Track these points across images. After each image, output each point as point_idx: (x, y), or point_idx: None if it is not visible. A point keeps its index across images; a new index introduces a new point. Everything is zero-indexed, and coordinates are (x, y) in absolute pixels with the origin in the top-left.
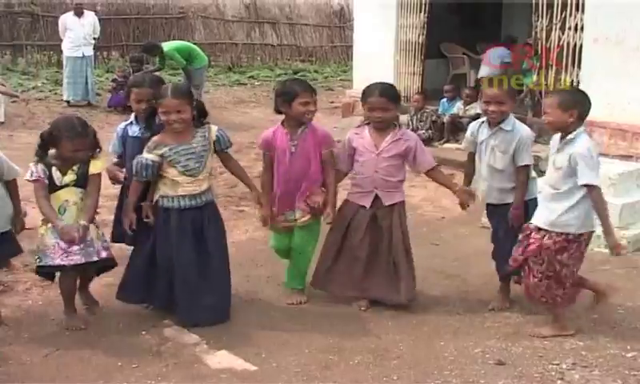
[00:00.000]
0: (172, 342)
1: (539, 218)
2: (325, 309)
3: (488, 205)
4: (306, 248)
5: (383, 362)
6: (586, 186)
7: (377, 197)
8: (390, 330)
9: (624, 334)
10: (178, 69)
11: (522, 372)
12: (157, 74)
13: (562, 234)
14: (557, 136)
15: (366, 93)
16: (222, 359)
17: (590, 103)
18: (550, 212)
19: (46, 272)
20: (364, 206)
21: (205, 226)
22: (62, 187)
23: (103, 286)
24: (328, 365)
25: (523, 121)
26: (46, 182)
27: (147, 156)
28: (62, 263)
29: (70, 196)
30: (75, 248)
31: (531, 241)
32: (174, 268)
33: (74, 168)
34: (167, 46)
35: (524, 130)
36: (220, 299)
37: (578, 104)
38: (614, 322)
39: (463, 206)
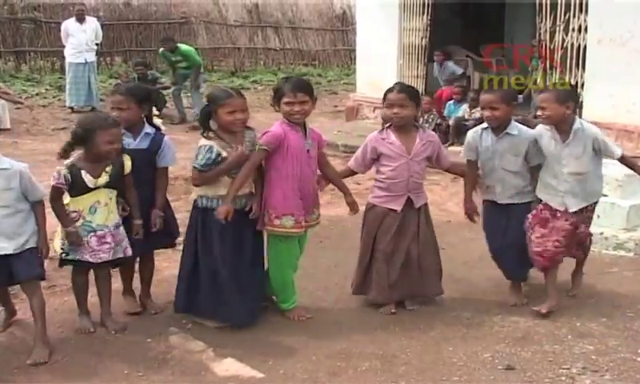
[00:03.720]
0: (178, 350)
1: (582, 203)
2: (331, 315)
3: (496, 206)
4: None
5: (391, 368)
6: (620, 158)
7: (408, 199)
8: (397, 336)
9: (635, 338)
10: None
11: (531, 377)
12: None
13: (595, 202)
14: (549, 134)
15: (387, 91)
16: (228, 366)
17: (579, 98)
18: (586, 193)
19: (67, 264)
20: (394, 210)
21: (243, 228)
22: (90, 191)
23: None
24: (336, 371)
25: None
26: (65, 190)
27: (221, 151)
28: (90, 260)
29: (101, 197)
30: (106, 247)
31: (581, 225)
32: (218, 268)
33: (107, 170)
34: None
35: (530, 132)
36: (255, 301)
37: (572, 97)
38: (624, 326)
39: (471, 217)
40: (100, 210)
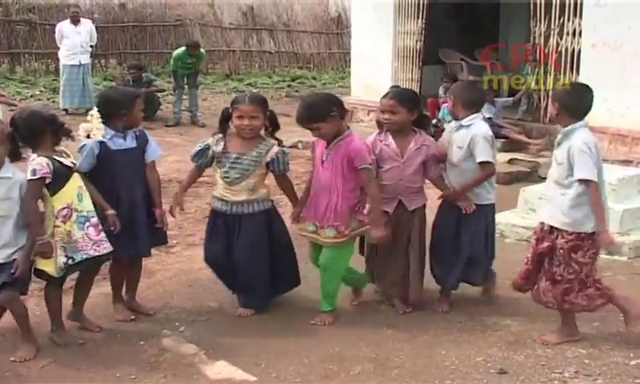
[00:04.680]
0: (170, 353)
1: (550, 217)
2: None
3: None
4: (332, 267)
5: (384, 371)
6: (580, 181)
7: (399, 202)
8: (390, 339)
9: (627, 342)
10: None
11: (524, 381)
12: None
13: (573, 232)
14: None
15: (382, 96)
16: (221, 369)
17: (577, 100)
18: (558, 208)
19: (73, 270)
20: (386, 212)
21: (234, 233)
22: (71, 175)
23: (99, 295)
24: (328, 375)
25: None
26: (50, 179)
27: (211, 144)
28: (97, 253)
29: (79, 181)
30: (103, 235)
31: (545, 243)
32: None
33: (64, 154)
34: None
35: (482, 128)
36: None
37: (562, 98)
38: (617, 330)
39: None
40: (84, 194)
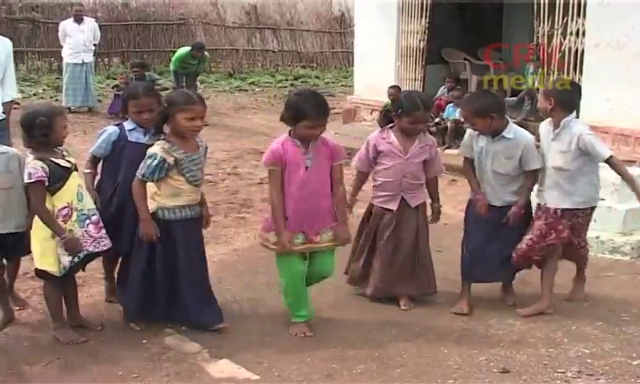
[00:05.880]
0: (173, 351)
1: (561, 201)
2: (327, 317)
3: (491, 207)
4: (332, 272)
5: (387, 370)
6: (607, 159)
7: (402, 199)
8: (392, 338)
9: (630, 341)
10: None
11: (526, 380)
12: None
13: (589, 208)
14: (545, 124)
15: (410, 106)
16: (223, 368)
17: (572, 96)
18: (567, 193)
19: (75, 268)
20: (390, 210)
21: (198, 235)
22: (69, 175)
23: (101, 293)
24: (331, 374)
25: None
26: (47, 182)
27: (165, 156)
28: (96, 250)
29: (79, 180)
30: (103, 232)
31: (559, 228)
32: (178, 276)
33: (64, 153)
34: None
35: (528, 137)
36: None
37: (558, 94)
38: (620, 330)
39: (482, 208)
40: (84, 193)
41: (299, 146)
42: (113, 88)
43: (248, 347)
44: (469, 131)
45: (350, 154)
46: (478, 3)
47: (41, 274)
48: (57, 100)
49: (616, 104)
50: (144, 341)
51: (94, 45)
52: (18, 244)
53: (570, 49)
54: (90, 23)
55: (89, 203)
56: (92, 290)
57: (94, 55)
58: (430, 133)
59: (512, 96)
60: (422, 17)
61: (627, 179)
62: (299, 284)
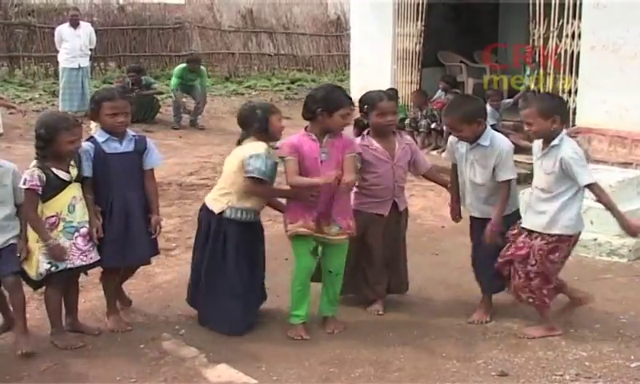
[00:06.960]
0: (171, 356)
1: (531, 222)
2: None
3: (471, 218)
4: (342, 268)
5: (384, 374)
6: (587, 186)
7: (393, 203)
8: (390, 342)
9: (628, 344)
10: None
11: (525, 383)
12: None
13: (555, 235)
14: (539, 141)
15: (373, 99)
16: (221, 373)
17: (566, 105)
18: (540, 215)
19: (59, 277)
20: (381, 214)
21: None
22: (65, 186)
23: (99, 298)
24: (328, 377)
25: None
26: (40, 191)
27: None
28: (83, 263)
29: (75, 192)
30: (91, 245)
31: (520, 245)
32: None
33: (72, 164)
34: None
35: (503, 144)
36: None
37: (557, 109)
38: (618, 332)
39: (454, 218)
40: (78, 205)
41: (315, 140)
42: None
43: (246, 351)
44: (450, 138)
45: None
46: (474, 5)
47: (22, 274)
48: (53, 105)
49: (612, 106)
50: (141, 346)
51: (90, 49)
52: (5, 261)
53: (565, 51)
54: (86, 28)
55: (80, 216)
56: (90, 295)
57: (90, 60)
58: (428, 135)
59: (509, 97)
60: (417, 19)
61: (610, 208)
62: (305, 279)
